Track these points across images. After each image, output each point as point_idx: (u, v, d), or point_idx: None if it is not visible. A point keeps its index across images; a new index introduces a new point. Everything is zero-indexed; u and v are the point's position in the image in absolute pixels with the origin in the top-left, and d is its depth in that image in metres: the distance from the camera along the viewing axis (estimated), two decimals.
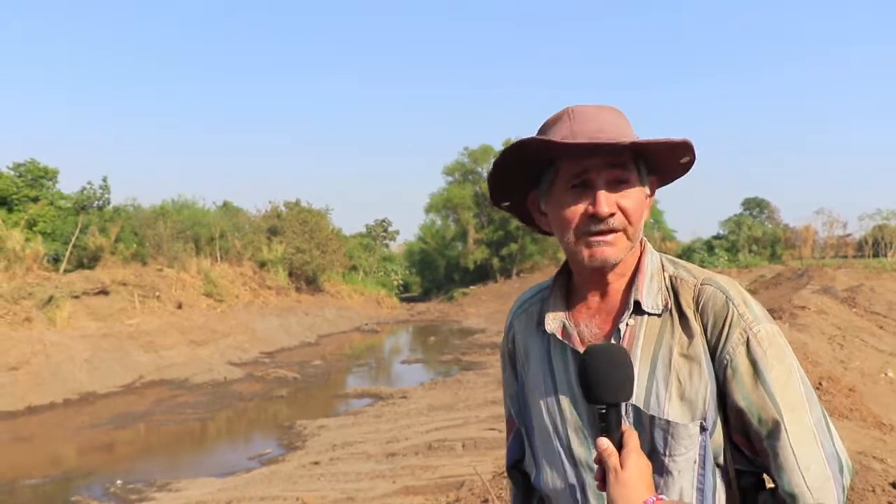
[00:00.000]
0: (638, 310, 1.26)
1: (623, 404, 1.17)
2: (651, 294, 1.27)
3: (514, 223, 40.00)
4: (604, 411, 1.10)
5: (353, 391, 13.94)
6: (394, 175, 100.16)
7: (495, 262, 40.39)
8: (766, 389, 1.16)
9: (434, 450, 8.34)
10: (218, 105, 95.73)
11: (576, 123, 1.23)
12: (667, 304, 1.26)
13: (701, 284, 1.26)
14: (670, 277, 1.30)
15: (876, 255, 39.23)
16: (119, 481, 8.42)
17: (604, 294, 1.30)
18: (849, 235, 45.14)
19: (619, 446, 1.08)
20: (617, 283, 1.30)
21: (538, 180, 1.32)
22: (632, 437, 1.09)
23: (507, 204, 1.40)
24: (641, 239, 1.32)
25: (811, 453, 1.14)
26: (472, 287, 38.35)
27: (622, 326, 1.25)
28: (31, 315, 15.26)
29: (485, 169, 43.29)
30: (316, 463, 8.37)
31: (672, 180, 1.37)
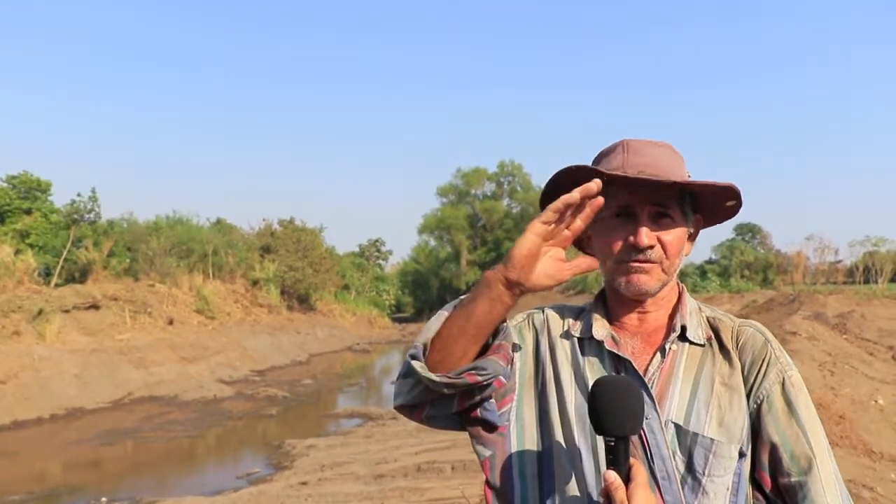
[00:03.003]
0: (682, 336, 1.30)
1: (640, 433, 1.18)
2: (693, 326, 1.32)
3: (507, 245, 40.06)
4: (612, 444, 1.09)
5: (343, 411, 13.87)
6: (388, 195, 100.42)
7: None
8: (800, 427, 1.22)
9: (423, 471, 8.30)
10: (214, 121, 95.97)
11: (629, 156, 1.29)
12: (709, 337, 1.32)
13: (739, 326, 1.33)
14: (708, 318, 1.36)
15: (867, 282, 39.41)
16: (104, 499, 8.34)
17: (642, 320, 1.34)
18: (840, 261, 45.36)
19: (627, 480, 1.07)
20: (656, 312, 1.34)
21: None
22: (640, 472, 1.08)
23: None
24: (679, 283, 1.38)
25: (835, 503, 1.17)
26: None
27: (667, 347, 1.29)
28: (21, 329, 15.16)
29: (478, 191, 43.53)
30: (304, 483, 8.31)
31: (717, 222, 1.42)
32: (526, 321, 1.44)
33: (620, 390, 1.11)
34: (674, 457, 1.21)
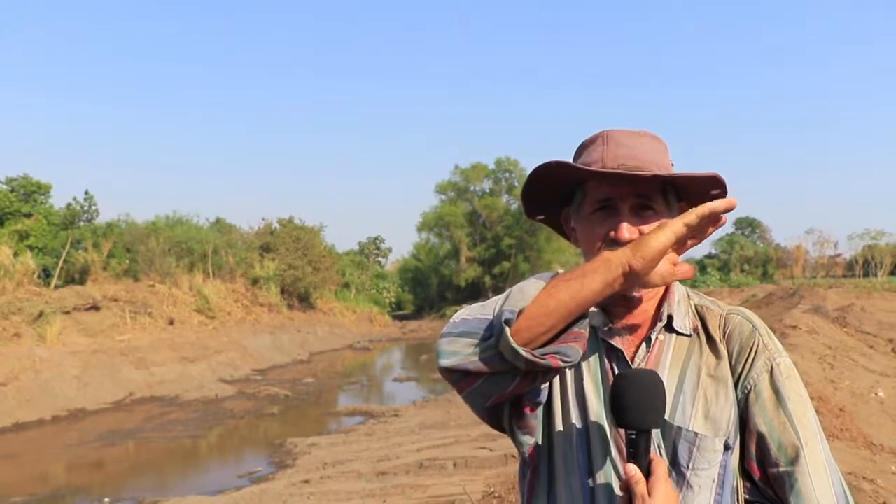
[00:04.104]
0: (668, 327, 1.29)
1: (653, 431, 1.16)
2: (680, 315, 1.30)
3: (507, 242, 40.08)
4: (634, 437, 1.10)
5: (345, 409, 13.88)
6: (387, 193, 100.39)
7: (487, 280, 40.40)
8: (788, 416, 1.20)
9: (425, 469, 8.30)
10: (213, 122, 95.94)
11: (609, 148, 1.28)
12: (696, 327, 1.30)
13: (727, 314, 1.32)
14: (696, 306, 1.34)
15: (866, 275, 39.41)
16: (107, 499, 8.34)
17: (629, 311, 1.32)
18: (839, 255, 45.38)
19: (647, 474, 1.07)
20: (644, 304, 1.32)
21: (571, 197, 1.35)
22: (660, 466, 1.08)
23: (541, 217, 1.44)
24: None
25: (825, 490, 1.16)
26: (464, 305, 38.19)
27: (653, 336, 1.28)
28: (21, 330, 15.16)
29: (477, 187, 43.49)
30: (306, 482, 8.31)
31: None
32: None
33: (644, 383, 1.11)
34: (658, 451, 1.20)
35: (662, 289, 1.32)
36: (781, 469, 1.18)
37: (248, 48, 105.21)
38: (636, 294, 1.29)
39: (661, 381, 1.13)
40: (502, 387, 1.15)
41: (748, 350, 1.25)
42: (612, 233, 1.24)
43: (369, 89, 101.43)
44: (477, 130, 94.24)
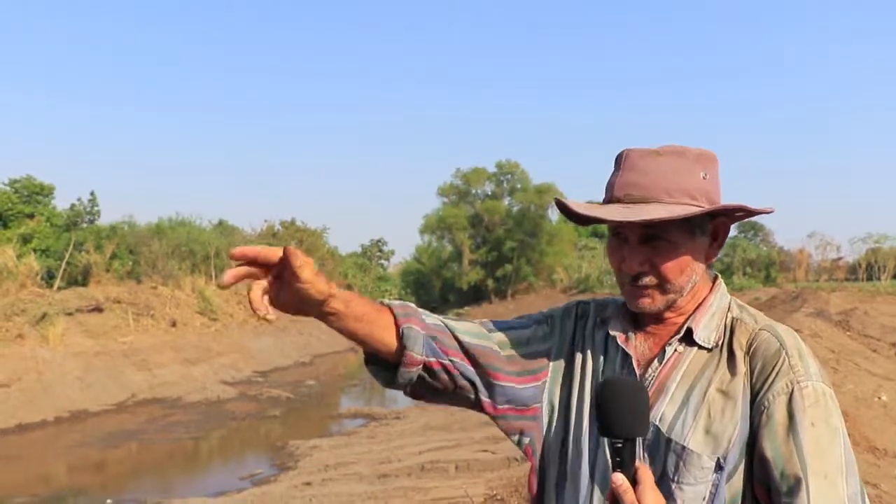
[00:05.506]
0: (689, 339, 1.26)
1: (639, 440, 1.15)
2: (707, 329, 1.26)
3: (509, 245, 40.02)
4: (619, 446, 1.08)
5: (347, 411, 13.88)
6: (391, 195, 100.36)
7: (490, 283, 40.35)
8: (797, 444, 1.11)
9: (427, 471, 8.30)
10: (215, 123, 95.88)
11: (623, 172, 1.25)
12: (719, 341, 1.25)
13: (759, 329, 1.24)
14: (732, 319, 1.28)
15: (869, 279, 39.31)
16: (109, 501, 8.35)
17: (661, 323, 1.31)
18: (841, 258, 45.23)
19: (634, 482, 1.06)
20: (675, 318, 1.30)
21: None
22: (647, 474, 1.07)
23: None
24: (716, 277, 1.34)
25: None
26: (466, 308, 38.25)
27: (669, 349, 1.26)
28: (24, 332, 15.17)
29: (479, 190, 43.47)
30: (308, 483, 8.32)
31: (737, 221, 1.37)
32: (573, 309, 1.46)
33: (628, 391, 1.10)
34: (652, 462, 1.20)
35: (697, 302, 1.29)
36: (784, 499, 1.11)
37: (250, 49, 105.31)
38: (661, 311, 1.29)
39: (644, 388, 1.14)
40: (439, 393, 1.40)
41: (770, 369, 1.17)
42: (622, 264, 1.25)
43: (371, 91, 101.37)
44: (478, 131, 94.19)
